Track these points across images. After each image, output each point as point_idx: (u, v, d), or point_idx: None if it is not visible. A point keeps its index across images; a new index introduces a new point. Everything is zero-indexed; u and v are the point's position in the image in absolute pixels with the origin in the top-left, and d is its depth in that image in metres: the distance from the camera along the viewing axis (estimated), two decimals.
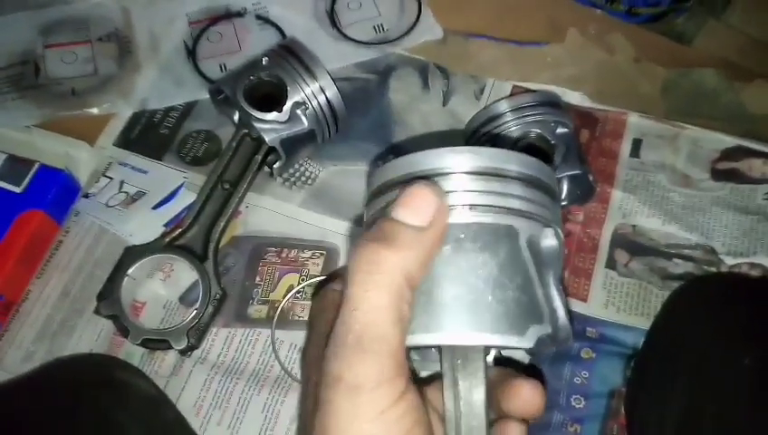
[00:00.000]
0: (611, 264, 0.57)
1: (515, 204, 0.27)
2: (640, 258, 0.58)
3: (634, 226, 0.59)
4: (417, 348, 0.28)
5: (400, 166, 0.28)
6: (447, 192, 0.26)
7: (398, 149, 0.64)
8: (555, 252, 0.28)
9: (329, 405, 0.25)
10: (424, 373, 0.32)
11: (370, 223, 0.29)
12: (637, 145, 0.63)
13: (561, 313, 0.27)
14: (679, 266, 0.57)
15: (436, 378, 0.30)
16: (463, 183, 0.27)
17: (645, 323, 0.54)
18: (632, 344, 0.53)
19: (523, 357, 0.36)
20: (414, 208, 0.25)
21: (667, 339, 0.50)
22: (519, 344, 0.26)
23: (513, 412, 0.28)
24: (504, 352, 0.31)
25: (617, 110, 0.65)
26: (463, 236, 0.26)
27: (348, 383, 0.24)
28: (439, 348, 0.27)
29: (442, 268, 0.26)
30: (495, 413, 0.29)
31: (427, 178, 0.27)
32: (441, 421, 0.28)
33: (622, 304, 0.56)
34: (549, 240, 0.28)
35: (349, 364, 0.24)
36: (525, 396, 0.28)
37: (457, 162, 0.27)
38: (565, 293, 0.29)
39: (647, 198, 0.60)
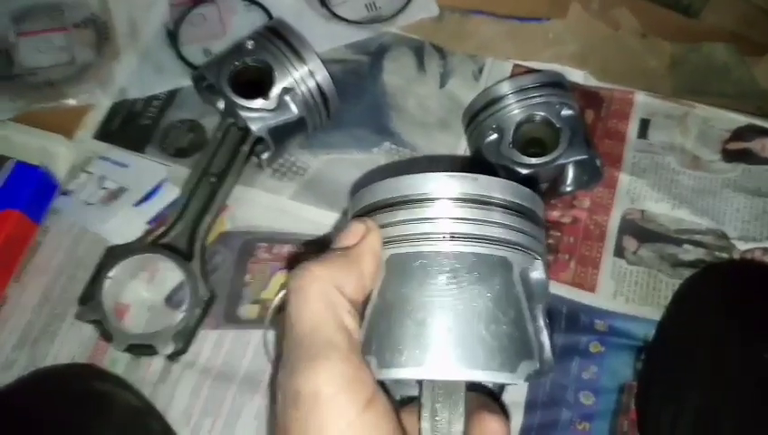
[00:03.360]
0: (619, 251, 0.55)
1: (510, 235, 0.26)
2: (650, 245, 0.55)
3: (643, 211, 0.57)
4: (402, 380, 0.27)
5: (389, 189, 0.27)
6: (439, 218, 0.26)
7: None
8: (543, 285, 0.28)
9: (294, 424, 0.24)
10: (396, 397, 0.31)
11: None
12: (644, 126, 0.61)
13: (547, 347, 0.27)
14: (690, 253, 0.55)
15: (408, 402, 0.29)
16: (457, 211, 0.26)
17: (655, 314, 0.51)
18: (642, 336, 0.51)
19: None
20: (342, 236, 0.28)
21: (679, 332, 0.48)
22: (510, 381, 0.25)
23: None
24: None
25: (623, 88, 0.62)
26: (459, 265, 0.25)
27: (307, 396, 0.23)
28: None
29: (436, 298, 0.25)
30: None
31: (416, 202, 0.26)
32: None
33: (631, 294, 0.53)
34: (537, 273, 0.28)
35: (303, 376, 0.24)
36: (492, 431, 0.27)
37: (451, 188, 0.26)
38: (550, 327, 0.28)
39: (655, 182, 0.58)
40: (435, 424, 0.25)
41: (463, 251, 0.25)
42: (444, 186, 0.26)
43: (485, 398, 0.29)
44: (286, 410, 0.24)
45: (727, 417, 0.39)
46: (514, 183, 0.27)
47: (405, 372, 0.25)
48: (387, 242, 0.27)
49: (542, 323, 0.27)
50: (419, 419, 0.25)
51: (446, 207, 0.26)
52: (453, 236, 0.25)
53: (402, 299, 0.25)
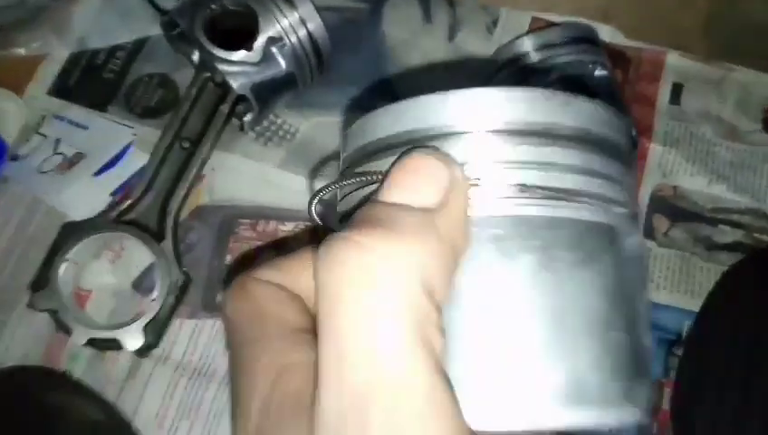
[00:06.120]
0: (649, 232, 0.50)
1: (612, 190, 0.17)
2: (683, 225, 0.50)
3: (675, 186, 0.51)
4: None
5: (406, 117, 0.17)
6: (510, 162, 0.17)
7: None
8: (642, 257, 0.19)
9: None
10: None
11: (350, 212, 0.18)
12: (677, 91, 0.55)
13: (649, 353, 0.18)
14: (727, 235, 0.50)
15: None
16: (534, 152, 0.17)
17: (689, 303, 0.47)
18: (675, 329, 0.47)
19: None
20: (413, 184, 0.16)
21: (724, 328, 0.43)
22: (632, 418, 0.17)
23: None
24: None
25: (653, 48, 0.57)
26: (551, 239, 0.16)
27: None
28: None
29: (519, 293, 0.16)
30: None
31: (454, 134, 0.17)
32: None
33: (663, 281, 0.48)
34: (634, 238, 0.18)
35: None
36: None
37: (516, 112, 0.17)
38: None
39: (689, 154, 0.52)
40: None
41: (555, 216, 0.16)
42: (505, 108, 0.17)
43: None
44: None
45: None
46: (601, 103, 0.18)
47: (472, 422, 0.16)
48: None
49: (647, 318, 0.18)
50: None
51: (516, 145, 0.17)
52: (535, 193, 0.16)
53: (457, 297, 0.16)
